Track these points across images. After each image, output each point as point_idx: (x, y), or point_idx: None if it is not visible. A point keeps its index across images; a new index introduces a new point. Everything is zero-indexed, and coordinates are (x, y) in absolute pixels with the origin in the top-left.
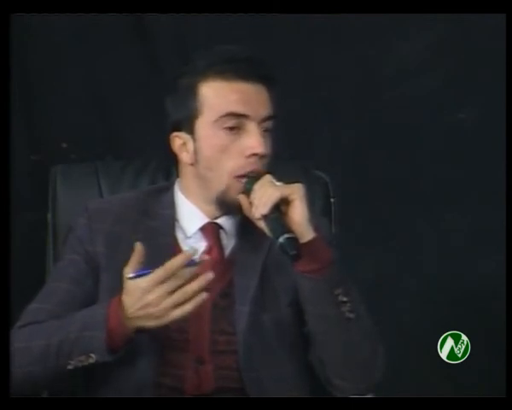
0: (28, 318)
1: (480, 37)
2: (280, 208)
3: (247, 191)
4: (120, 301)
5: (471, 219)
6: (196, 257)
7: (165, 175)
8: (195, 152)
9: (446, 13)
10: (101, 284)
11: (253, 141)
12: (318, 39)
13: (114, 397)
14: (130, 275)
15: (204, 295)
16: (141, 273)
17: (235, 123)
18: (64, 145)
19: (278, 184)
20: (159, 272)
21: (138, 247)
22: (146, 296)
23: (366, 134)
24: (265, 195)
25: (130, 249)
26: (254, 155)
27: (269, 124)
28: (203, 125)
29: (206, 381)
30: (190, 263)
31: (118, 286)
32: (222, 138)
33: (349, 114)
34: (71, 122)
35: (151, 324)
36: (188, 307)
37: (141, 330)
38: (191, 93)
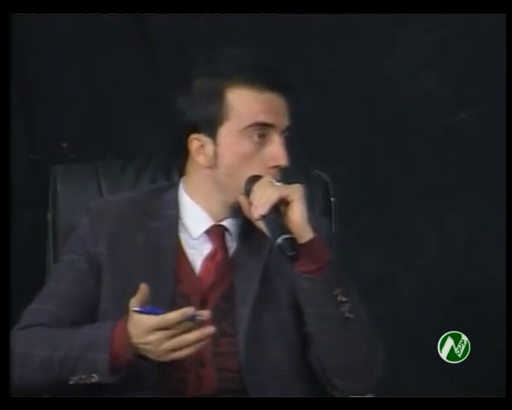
0: (29, 319)
1: (480, 37)
2: (279, 209)
3: (247, 192)
4: (126, 327)
5: (471, 219)
6: (197, 315)
7: (166, 175)
8: (215, 156)
9: (446, 13)
10: (103, 284)
11: (277, 152)
12: (318, 39)
13: (115, 397)
14: (136, 309)
15: (204, 343)
16: (146, 311)
17: (261, 133)
18: (64, 145)
19: (277, 184)
20: (159, 320)
21: (143, 287)
22: (147, 336)
23: (366, 134)
24: (264, 195)
25: (133, 250)
26: (277, 166)
27: (287, 133)
28: (228, 132)
29: (208, 383)
30: (190, 318)
31: (119, 286)
32: (246, 147)
33: (349, 114)
34: (71, 122)
35: (152, 357)
36: (187, 352)
37: (143, 358)
38: (216, 97)
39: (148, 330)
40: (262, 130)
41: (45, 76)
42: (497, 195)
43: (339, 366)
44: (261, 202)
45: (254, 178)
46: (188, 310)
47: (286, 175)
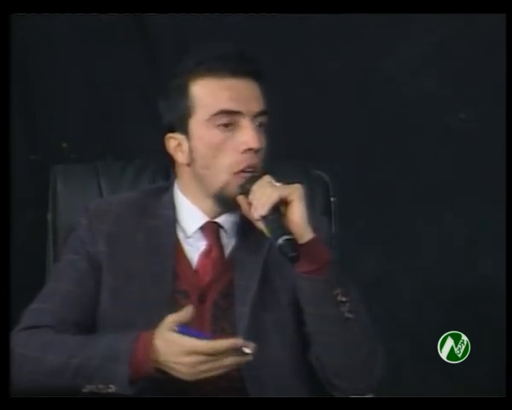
0: (31, 320)
1: (480, 37)
2: (279, 209)
3: (246, 192)
4: (152, 342)
5: (471, 219)
6: (245, 346)
7: (165, 175)
8: (191, 152)
9: (446, 13)
10: (102, 284)
11: (247, 136)
12: (318, 39)
13: (115, 397)
14: (178, 329)
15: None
16: (189, 333)
17: (228, 120)
18: (64, 145)
19: (277, 184)
20: (204, 346)
21: (188, 309)
22: (182, 357)
23: (366, 134)
24: (264, 196)
25: (133, 249)
26: (249, 149)
27: (262, 119)
28: (196, 124)
29: (207, 381)
30: (237, 350)
31: (119, 286)
32: (216, 136)
33: (349, 114)
34: (71, 122)
35: (176, 375)
36: (218, 373)
37: (162, 372)
38: (182, 93)
39: (187, 352)
40: (229, 117)
41: (45, 76)
42: (497, 195)
43: (339, 366)
44: (261, 202)
45: (253, 178)
46: (237, 342)
47: (285, 175)
